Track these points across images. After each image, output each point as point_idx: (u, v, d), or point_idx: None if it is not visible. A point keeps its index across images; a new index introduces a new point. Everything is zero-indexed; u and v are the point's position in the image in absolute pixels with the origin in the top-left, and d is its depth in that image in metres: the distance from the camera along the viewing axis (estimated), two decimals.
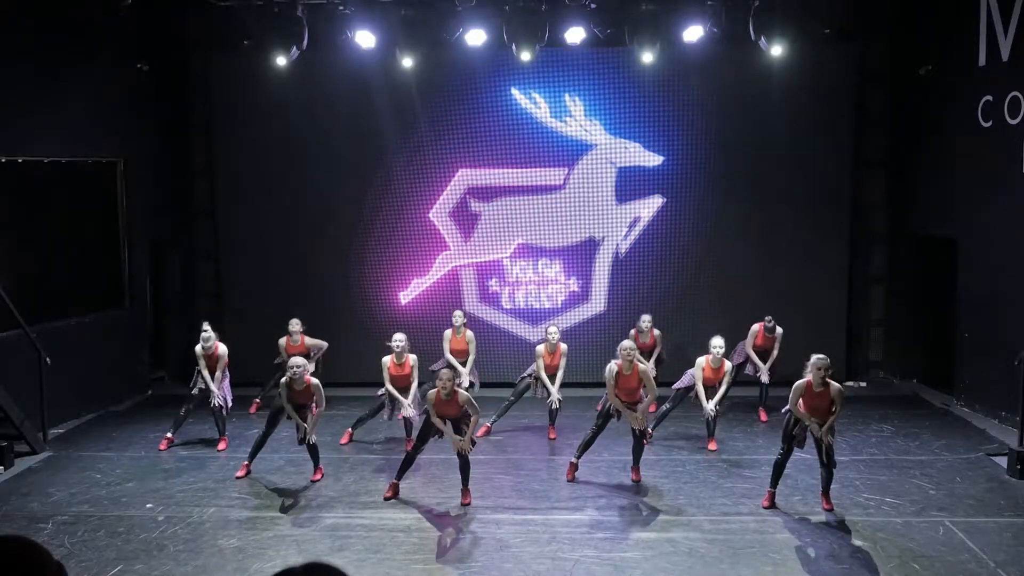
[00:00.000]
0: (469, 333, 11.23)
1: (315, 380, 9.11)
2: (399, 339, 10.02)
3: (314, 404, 9.11)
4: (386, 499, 8.80)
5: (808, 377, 8.16)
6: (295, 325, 11.25)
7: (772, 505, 8.57)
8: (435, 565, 7.41)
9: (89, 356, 11.98)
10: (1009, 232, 11.10)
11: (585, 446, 9.39)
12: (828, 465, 8.36)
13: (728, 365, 10.11)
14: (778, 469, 8.60)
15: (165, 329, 14.10)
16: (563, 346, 10.72)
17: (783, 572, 7.23)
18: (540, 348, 10.72)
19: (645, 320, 11.48)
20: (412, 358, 10.07)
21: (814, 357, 8.19)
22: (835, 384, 8.23)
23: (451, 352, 11.17)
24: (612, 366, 9.01)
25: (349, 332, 12.87)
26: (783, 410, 8.64)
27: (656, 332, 11.59)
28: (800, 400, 8.23)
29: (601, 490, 9.12)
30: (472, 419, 8.67)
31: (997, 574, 7.11)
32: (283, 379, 9.22)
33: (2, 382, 9.94)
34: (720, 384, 10.06)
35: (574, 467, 9.40)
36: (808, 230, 13.17)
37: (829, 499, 8.49)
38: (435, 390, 8.67)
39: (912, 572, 7.18)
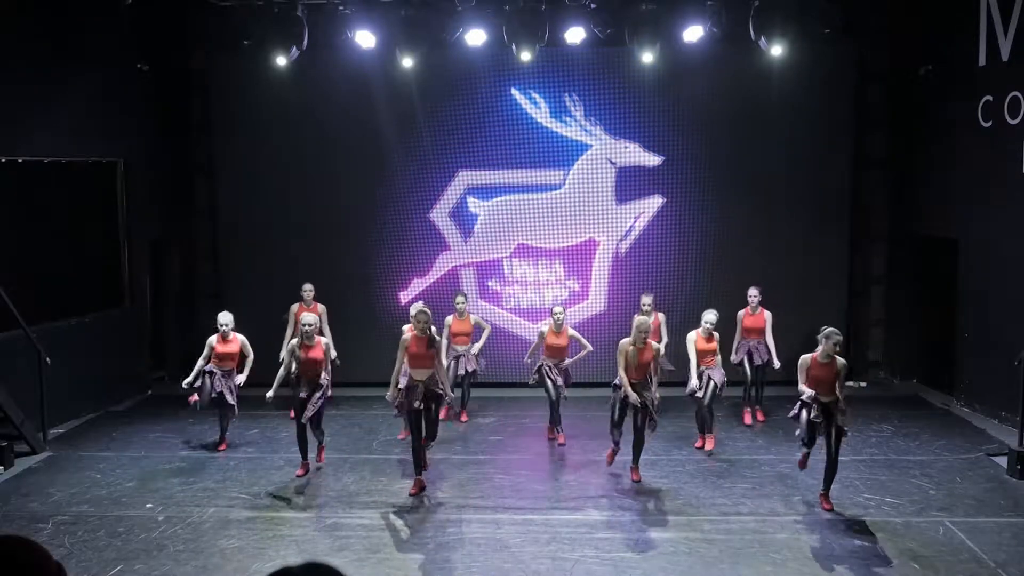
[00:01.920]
0: (474, 316, 11.35)
1: (325, 339, 9.23)
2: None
3: (323, 370, 9.21)
4: (411, 495, 8.86)
5: (816, 351, 8.33)
6: (309, 291, 11.53)
7: (805, 466, 8.77)
8: (435, 565, 7.41)
9: (89, 356, 11.97)
10: (1009, 232, 11.10)
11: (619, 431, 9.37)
12: (834, 457, 8.40)
13: (717, 336, 10.29)
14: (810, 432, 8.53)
15: (165, 329, 14.09)
16: (570, 329, 10.68)
17: (783, 572, 7.23)
18: (544, 329, 10.60)
19: (646, 303, 11.16)
20: (433, 328, 10.18)
21: (828, 328, 8.39)
22: (840, 359, 8.40)
23: (452, 335, 11.21)
24: (625, 340, 9.18)
25: (349, 332, 12.86)
26: (796, 405, 8.62)
27: (660, 316, 11.43)
28: (806, 373, 8.35)
29: (601, 490, 9.12)
30: (440, 372, 9.00)
31: (997, 574, 7.12)
32: (293, 341, 9.38)
33: (2, 382, 9.94)
34: (715, 354, 10.14)
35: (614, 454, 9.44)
36: (808, 230, 13.16)
37: (829, 499, 8.49)
38: (410, 335, 8.94)
39: (912, 572, 7.18)
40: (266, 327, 12.71)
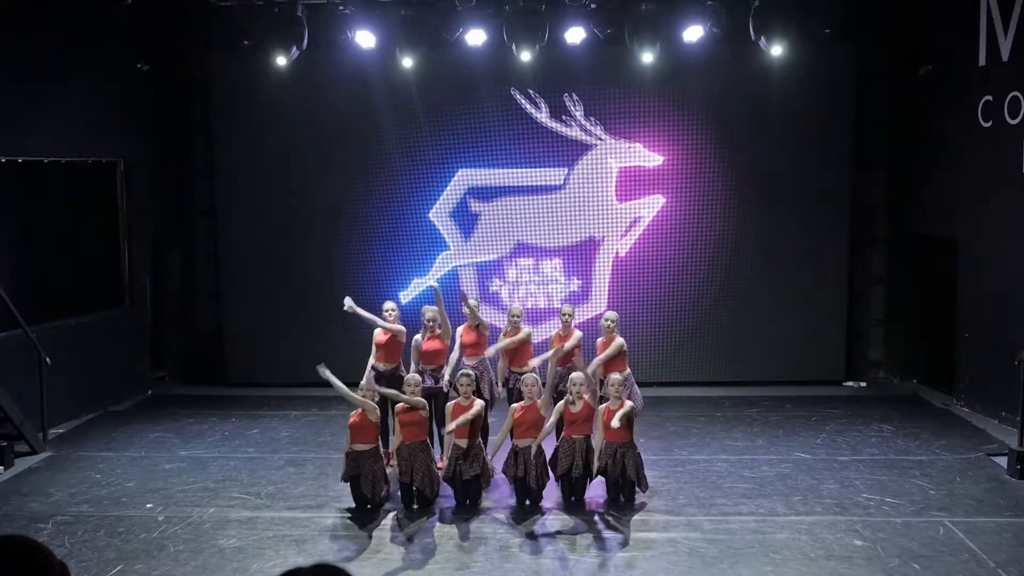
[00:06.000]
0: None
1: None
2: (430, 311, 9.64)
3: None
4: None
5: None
6: (429, 312, 9.62)
7: None
8: (435, 565, 7.42)
9: (89, 356, 11.97)
10: (1009, 232, 11.10)
11: None
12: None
13: (578, 334, 9.73)
14: None
15: (165, 329, 14.09)
16: (578, 332, 9.82)
17: (783, 572, 7.23)
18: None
19: (566, 312, 9.98)
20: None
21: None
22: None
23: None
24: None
25: (350, 332, 12.84)
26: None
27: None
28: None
29: (601, 490, 9.10)
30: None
31: (997, 574, 7.12)
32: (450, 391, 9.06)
33: (2, 382, 9.94)
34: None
35: None
36: (808, 230, 13.15)
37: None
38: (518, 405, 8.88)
39: (912, 572, 7.18)
40: (265, 328, 12.71)
